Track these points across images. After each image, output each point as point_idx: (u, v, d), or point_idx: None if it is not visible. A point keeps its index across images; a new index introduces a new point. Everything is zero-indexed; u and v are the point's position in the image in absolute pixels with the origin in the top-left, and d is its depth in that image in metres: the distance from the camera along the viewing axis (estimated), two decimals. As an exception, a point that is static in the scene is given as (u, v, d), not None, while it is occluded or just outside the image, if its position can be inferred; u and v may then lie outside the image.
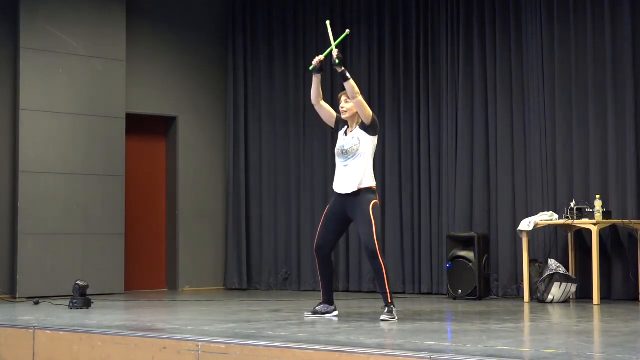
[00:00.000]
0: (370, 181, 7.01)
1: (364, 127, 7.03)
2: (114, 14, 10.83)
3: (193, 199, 11.54)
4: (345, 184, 7.02)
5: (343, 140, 7.12)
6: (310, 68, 7.09)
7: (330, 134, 11.08)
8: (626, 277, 8.74)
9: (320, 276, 7.26)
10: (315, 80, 7.13)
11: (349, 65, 11.01)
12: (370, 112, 7.02)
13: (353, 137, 7.06)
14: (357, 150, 7.00)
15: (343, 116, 7.15)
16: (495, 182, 9.76)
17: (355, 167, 6.99)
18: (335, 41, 7.02)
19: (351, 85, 6.91)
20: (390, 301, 6.84)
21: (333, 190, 7.17)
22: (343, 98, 7.13)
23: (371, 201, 6.95)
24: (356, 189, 6.96)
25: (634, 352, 4.86)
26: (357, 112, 7.07)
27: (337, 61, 6.84)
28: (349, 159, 7.03)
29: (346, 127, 7.18)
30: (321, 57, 7.06)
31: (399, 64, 10.56)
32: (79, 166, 10.50)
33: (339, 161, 7.11)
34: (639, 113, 8.86)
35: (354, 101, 6.95)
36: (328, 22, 7.23)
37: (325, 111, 7.26)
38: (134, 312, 8.27)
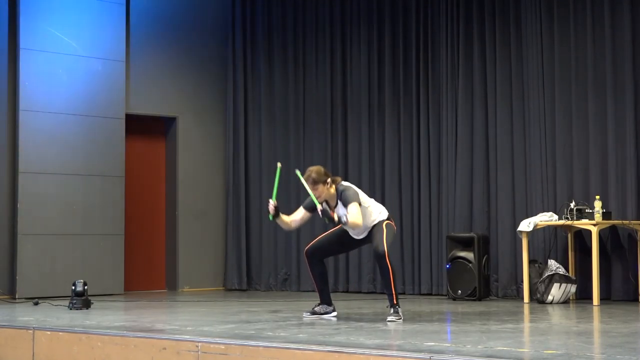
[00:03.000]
0: (380, 218, 7.03)
1: (345, 203, 6.89)
2: (114, 14, 10.82)
3: (193, 200, 11.54)
4: (359, 234, 7.09)
5: (335, 215, 6.88)
6: (270, 216, 6.98)
7: (330, 134, 11.09)
8: (626, 278, 8.73)
9: (313, 278, 7.27)
10: (279, 221, 7.05)
11: (349, 64, 11.01)
12: (360, 218, 6.84)
13: (344, 214, 6.84)
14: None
15: (320, 201, 6.93)
16: (495, 182, 9.75)
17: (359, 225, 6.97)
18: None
19: (354, 223, 6.79)
20: (395, 302, 6.86)
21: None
22: (310, 187, 6.90)
23: (384, 221, 7.01)
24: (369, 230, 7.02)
25: (634, 352, 4.86)
26: (328, 190, 6.93)
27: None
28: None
29: (326, 204, 6.98)
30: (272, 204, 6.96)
31: (399, 64, 10.56)
32: (78, 167, 10.49)
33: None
34: (638, 113, 8.86)
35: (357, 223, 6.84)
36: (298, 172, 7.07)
37: (301, 220, 7.15)
38: (133, 312, 8.27)
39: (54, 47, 10.41)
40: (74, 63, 10.53)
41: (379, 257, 6.86)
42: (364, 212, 6.92)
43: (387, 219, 7.06)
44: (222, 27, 11.90)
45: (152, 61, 11.38)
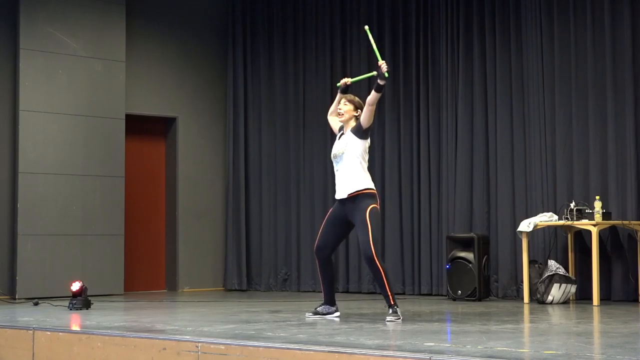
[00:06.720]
0: (365, 183, 6.98)
1: (355, 130, 7.06)
2: (113, 15, 10.83)
3: (193, 200, 11.54)
4: (339, 189, 7.07)
5: (335, 145, 7.20)
6: (338, 85, 7.35)
7: (330, 135, 11.08)
8: (626, 278, 8.73)
9: (321, 277, 7.28)
10: (338, 97, 7.29)
11: (349, 64, 11.01)
12: (371, 121, 7.05)
13: (343, 141, 7.11)
14: (344, 152, 7.03)
15: (339, 119, 7.17)
16: (495, 183, 9.75)
17: (345, 170, 7.02)
18: (378, 54, 7.10)
19: (377, 96, 6.94)
20: (393, 302, 6.85)
21: (334, 196, 7.20)
22: (342, 101, 7.16)
23: (369, 206, 6.94)
24: (351, 192, 6.96)
25: (634, 353, 4.86)
26: (352, 117, 7.11)
27: (386, 75, 6.86)
28: (338, 162, 7.08)
29: (341, 132, 7.24)
30: (348, 80, 7.31)
31: (399, 64, 10.56)
32: (78, 167, 10.49)
33: (334, 166, 7.18)
34: (638, 113, 8.86)
35: (368, 108, 6.95)
36: (367, 27, 7.40)
37: (335, 122, 7.37)
38: (133, 313, 8.27)
39: (54, 47, 10.41)
40: (74, 63, 10.54)
41: (368, 261, 6.87)
42: (355, 165, 6.98)
43: (373, 196, 6.98)
44: (222, 27, 11.90)
45: (152, 61, 11.39)
